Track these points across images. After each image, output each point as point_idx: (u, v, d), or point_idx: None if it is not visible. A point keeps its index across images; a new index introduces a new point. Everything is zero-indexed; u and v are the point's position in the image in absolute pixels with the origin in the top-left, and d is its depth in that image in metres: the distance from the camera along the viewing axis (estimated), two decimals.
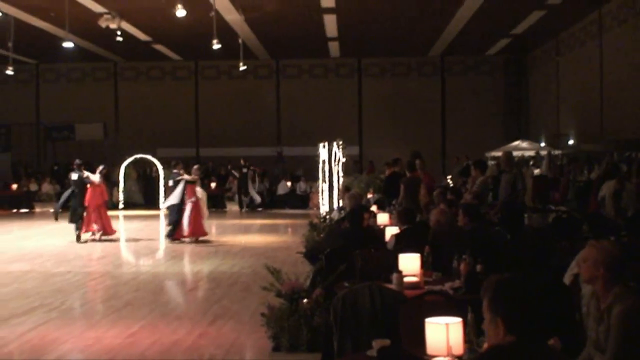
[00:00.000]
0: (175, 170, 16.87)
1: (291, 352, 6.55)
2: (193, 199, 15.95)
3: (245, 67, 25.29)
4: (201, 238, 16.17)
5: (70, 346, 7.39)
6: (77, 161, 16.87)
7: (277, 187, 28.01)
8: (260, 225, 21.01)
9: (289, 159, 29.10)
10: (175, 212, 16.10)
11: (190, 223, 15.92)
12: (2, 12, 18.60)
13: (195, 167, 16.75)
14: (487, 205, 11.71)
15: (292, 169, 28.46)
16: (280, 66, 30.41)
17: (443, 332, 3.85)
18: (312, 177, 25.89)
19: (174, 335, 7.66)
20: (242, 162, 26.04)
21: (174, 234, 16.19)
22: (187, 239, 16.01)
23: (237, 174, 26.01)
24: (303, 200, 26.85)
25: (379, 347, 4.17)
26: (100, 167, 17.26)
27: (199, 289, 10.67)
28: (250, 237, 17.70)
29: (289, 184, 27.82)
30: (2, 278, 11.55)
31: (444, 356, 3.85)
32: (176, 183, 16.30)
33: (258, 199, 25.81)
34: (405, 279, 5.98)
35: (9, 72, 23.66)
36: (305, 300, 6.81)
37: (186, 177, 16.14)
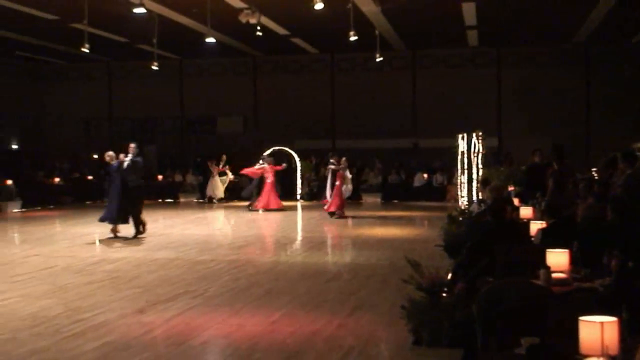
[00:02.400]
0: (332, 160, 21.77)
1: (432, 347, 6.44)
2: (337, 183, 20.82)
3: (381, 59, 25.23)
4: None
5: (214, 332, 7.58)
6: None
7: (414, 179, 27.84)
8: (397, 217, 20.95)
9: (425, 150, 28.81)
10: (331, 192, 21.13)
11: (335, 201, 20.58)
12: (146, 9, 19.32)
13: (344, 158, 21.27)
14: (637, 199, 11.13)
15: (428, 161, 28.19)
16: (417, 56, 30.12)
17: (598, 331, 3.67)
18: (449, 169, 25.59)
19: (313, 325, 7.72)
20: None
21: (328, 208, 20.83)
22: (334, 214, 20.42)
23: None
24: (439, 193, 26.56)
25: (528, 345, 4.03)
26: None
27: (336, 279, 10.71)
28: (387, 229, 17.66)
29: (425, 176, 27.59)
30: (149, 265, 12.04)
31: (598, 356, 3.67)
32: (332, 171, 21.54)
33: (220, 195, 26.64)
34: (553, 275, 5.78)
35: (154, 67, 24.61)
36: (445, 294, 6.69)
37: (332, 167, 21.30)
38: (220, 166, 26.58)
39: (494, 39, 27.33)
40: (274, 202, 23.02)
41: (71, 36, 23.56)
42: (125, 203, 15.29)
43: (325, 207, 21.16)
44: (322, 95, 30.50)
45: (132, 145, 15.76)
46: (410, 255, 8.43)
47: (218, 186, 26.69)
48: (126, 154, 15.55)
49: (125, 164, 15.35)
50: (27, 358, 6.52)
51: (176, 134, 31.58)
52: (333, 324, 7.78)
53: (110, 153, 15.66)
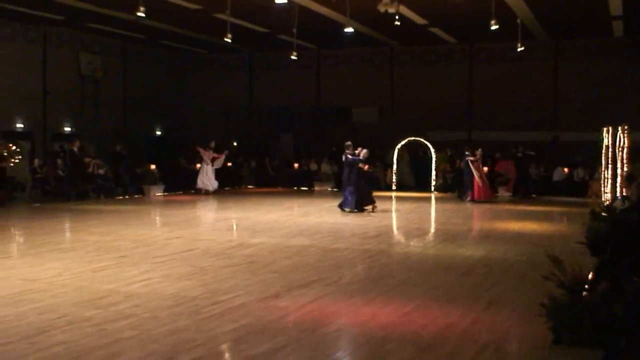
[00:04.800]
0: (467, 152, 23.49)
1: (572, 347, 6.21)
2: (478, 174, 23.11)
3: (522, 49, 24.57)
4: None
5: (347, 320, 7.62)
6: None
7: (553, 173, 27.02)
8: (534, 212, 20.40)
9: (566, 144, 27.86)
10: (468, 182, 23.27)
11: (480, 190, 23.10)
12: (287, 0, 19.62)
13: (479, 150, 23.67)
14: None
15: (569, 155, 27.24)
16: (560, 47, 29.11)
17: None
18: (592, 163, 24.63)
19: (447, 318, 7.62)
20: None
21: (466, 197, 23.31)
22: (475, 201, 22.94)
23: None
24: (580, 188, 25.66)
25: None
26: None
27: (471, 273, 10.53)
28: (524, 223, 17.21)
29: (566, 170, 26.72)
30: (284, 252, 12.26)
31: None
32: (466, 162, 23.34)
33: (211, 186, 26.04)
34: None
35: (293, 57, 24.98)
36: (586, 293, 6.42)
37: (471, 158, 23.17)
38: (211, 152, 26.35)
39: None
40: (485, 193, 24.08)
41: (214, 26, 24.28)
42: (367, 188, 19.53)
43: (468, 198, 23.22)
44: (459, 86, 30.06)
45: (350, 143, 19.33)
46: (549, 251, 8.16)
47: (210, 177, 26.27)
48: (346, 149, 19.10)
49: (363, 157, 19.08)
50: (167, 337, 6.75)
51: (312, 123, 31.95)
52: (467, 318, 7.65)
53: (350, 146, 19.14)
